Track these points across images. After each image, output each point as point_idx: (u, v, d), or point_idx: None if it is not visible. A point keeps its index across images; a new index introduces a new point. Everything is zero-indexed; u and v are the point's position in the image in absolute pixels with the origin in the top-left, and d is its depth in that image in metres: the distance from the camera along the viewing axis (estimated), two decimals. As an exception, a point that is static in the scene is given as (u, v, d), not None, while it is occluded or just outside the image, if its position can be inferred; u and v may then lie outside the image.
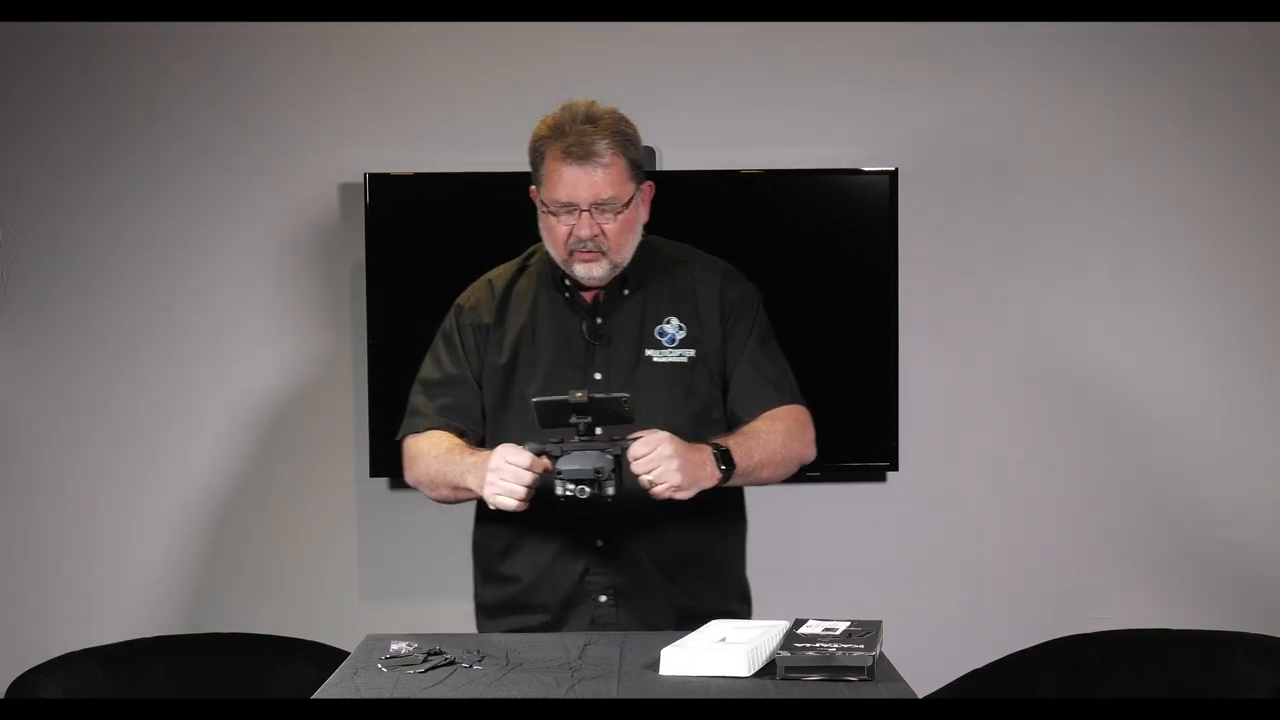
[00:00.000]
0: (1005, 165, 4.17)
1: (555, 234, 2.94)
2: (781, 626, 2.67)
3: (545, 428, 2.77)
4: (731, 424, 3.00)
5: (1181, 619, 3.96)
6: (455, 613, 4.02)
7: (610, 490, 2.73)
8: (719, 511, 3.03)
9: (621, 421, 2.75)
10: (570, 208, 2.91)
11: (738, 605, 3.08)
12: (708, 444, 2.87)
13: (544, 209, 2.95)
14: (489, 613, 3.07)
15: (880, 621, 2.67)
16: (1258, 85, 4.17)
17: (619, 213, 2.92)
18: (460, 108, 4.13)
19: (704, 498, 2.85)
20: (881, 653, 2.58)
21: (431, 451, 2.97)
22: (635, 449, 2.76)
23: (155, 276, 4.15)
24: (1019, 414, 4.20)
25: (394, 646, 2.69)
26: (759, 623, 2.71)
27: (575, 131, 2.91)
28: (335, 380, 4.16)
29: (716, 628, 2.69)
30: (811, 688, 2.43)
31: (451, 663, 2.61)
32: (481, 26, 4.08)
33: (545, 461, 2.76)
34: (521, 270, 3.09)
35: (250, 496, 4.18)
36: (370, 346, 4.05)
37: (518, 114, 4.09)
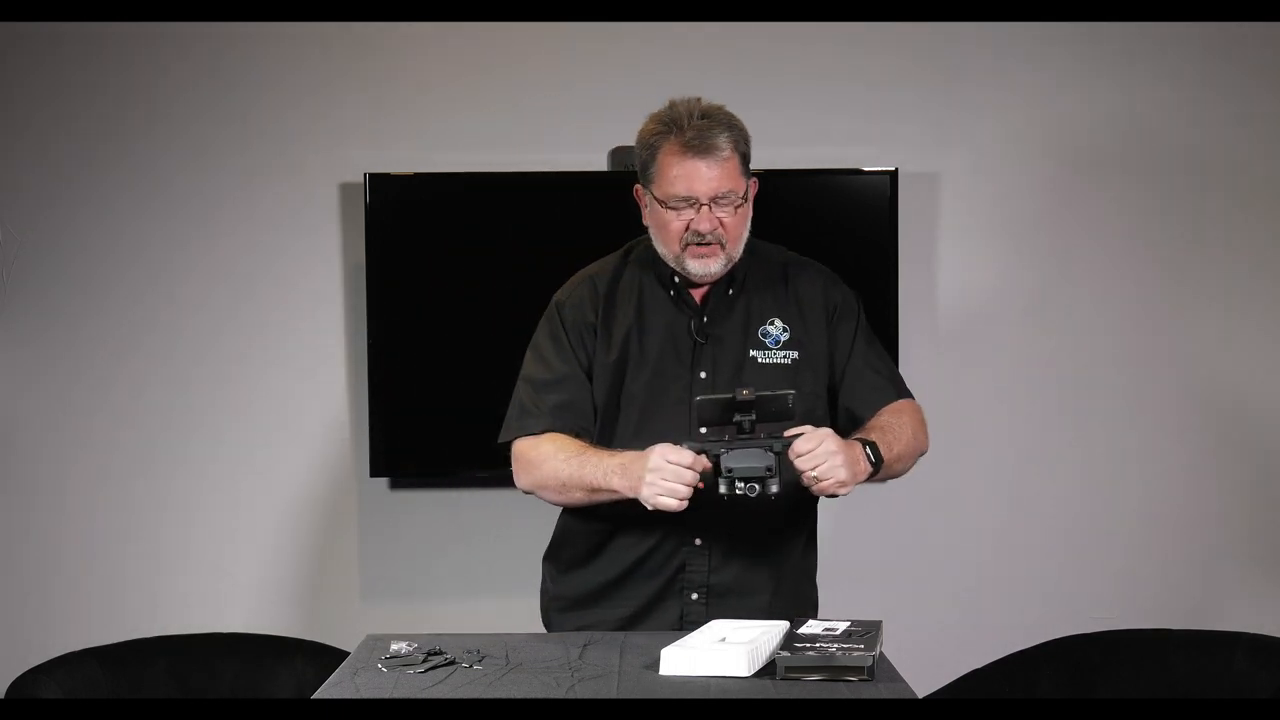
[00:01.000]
0: (1005, 165, 4.18)
1: (670, 229, 2.92)
2: (781, 626, 2.67)
3: (707, 426, 2.76)
4: (847, 422, 3.01)
5: (1181, 619, 3.97)
6: (455, 613, 4.05)
7: (774, 488, 2.71)
8: (807, 519, 3.06)
9: (785, 419, 2.75)
10: (690, 201, 2.89)
11: (810, 609, 3.09)
12: (855, 440, 2.88)
13: (659, 205, 2.93)
14: (567, 605, 3.05)
15: (880, 621, 2.67)
16: (1266, 84, 4.18)
17: (737, 206, 2.92)
18: (460, 108, 4.13)
19: (793, 506, 2.89)
20: (881, 653, 2.58)
21: (559, 455, 2.92)
22: (799, 445, 2.75)
23: (155, 276, 4.15)
24: (1019, 414, 4.20)
25: (394, 646, 2.69)
26: (759, 623, 2.71)
27: (694, 126, 2.89)
28: (335, 380, 4.16)
29: (716, 628, 2.69)
30: (811, 688, 2.43)
31: (451, 663, 2.61)
32: (481, 26, 4.08)
33: (705, 460, 2.74)
34: (623, 266, 3.07)
35: (251, 497, 4.18)
36: (370, 346, 4.05)
37: (518, 114, 4.13)
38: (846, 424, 3.00)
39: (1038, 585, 4.19)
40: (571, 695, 2.43)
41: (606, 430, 2.98)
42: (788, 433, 2.77)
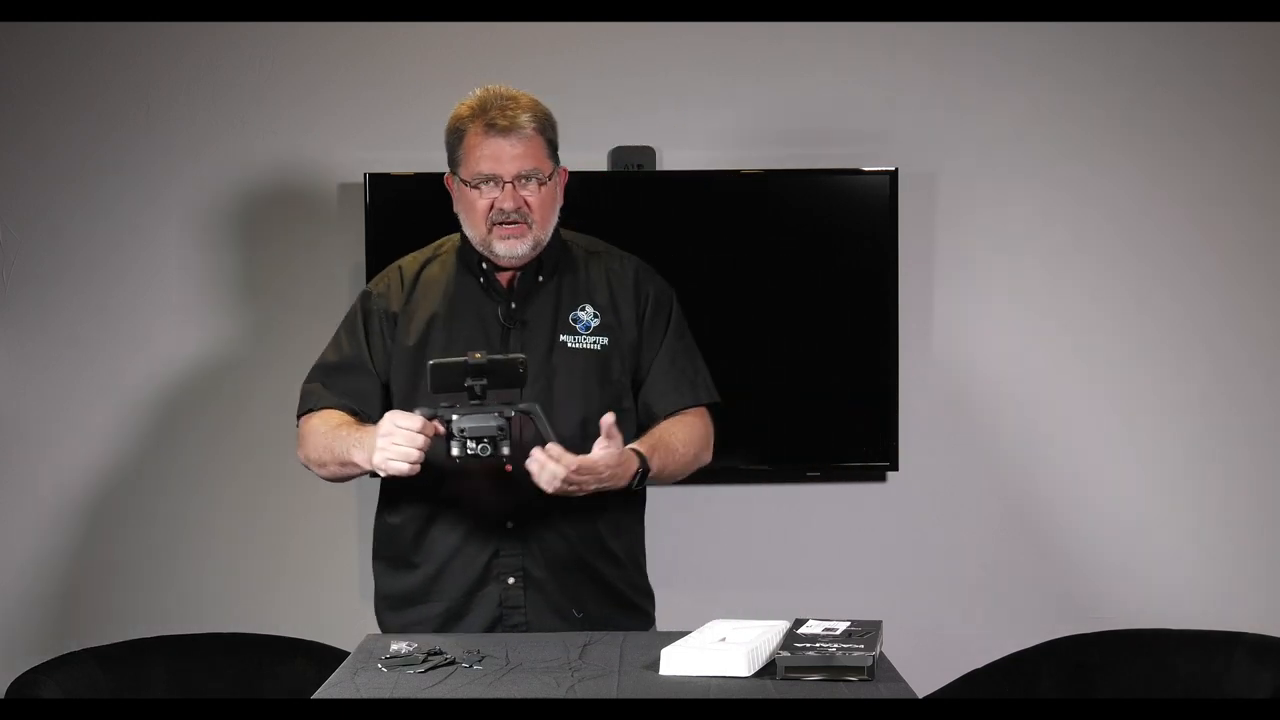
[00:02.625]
0: (1005, 165, 4.18)
1: (476, 209, 2.97)
2: (781, 626, 2.67)
3: (437, 391, 2.78)
4: (645, 416, 3.05)
5: (1181, 619, 3.97)
6: (455, 613, 4.03)
7: (506, 449, 2.75)
8: (625, 503, 3.06)
9: (516, 384, 2.78)
10: (493, 179, 2.94)
11: (642, 599, 3.12)
12: (637, 456, 2.90)
13: (465, 186, 2.97)
14: (395, 604, 3.07)
15: (880, 621, 2.67)
16: (1265, 86, 4.17)
17: (542, 184, 2.96)
18: (460, 108, 4.13)
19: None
20: (881, 653, 2.58)
21: (321, 428, 2.99)
22: (599, 457, 2.79)
23: (155, 276, 4.15)
24: (1018, 414, 4.20)
25: (394, 646, 2.69)
26: (759, 623, 2.71)
27: (497, 107, 2.95)
28: (335, 380, 4.16)
29: (717, 628, 2.69)
30: (811, 688, 2.44)
31: (451, 663, 2.61)
32: (481, 26, 4.08)
33: (436, 425, 2.77)
34: (432, 258, 3.13)
35: (250, 496, 4.18)
36: (370, 346, 4.05)
37: (518, 114, 4.12)
38: (644, 417, 3.05)
39: (1038, 585, 4.19)
40: (571, 695, 2.43)
41: None
42: (603, 420, 2.79)
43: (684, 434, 3.02)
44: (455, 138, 2.99)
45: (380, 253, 4.02)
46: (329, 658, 3.62)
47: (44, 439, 4.15)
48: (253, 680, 3.81)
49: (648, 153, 4.10)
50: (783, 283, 4.08)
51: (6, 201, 4.12)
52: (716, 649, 2.53)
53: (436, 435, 2.77)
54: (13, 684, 3.64)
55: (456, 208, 3.03)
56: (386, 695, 2.44)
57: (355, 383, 3.05)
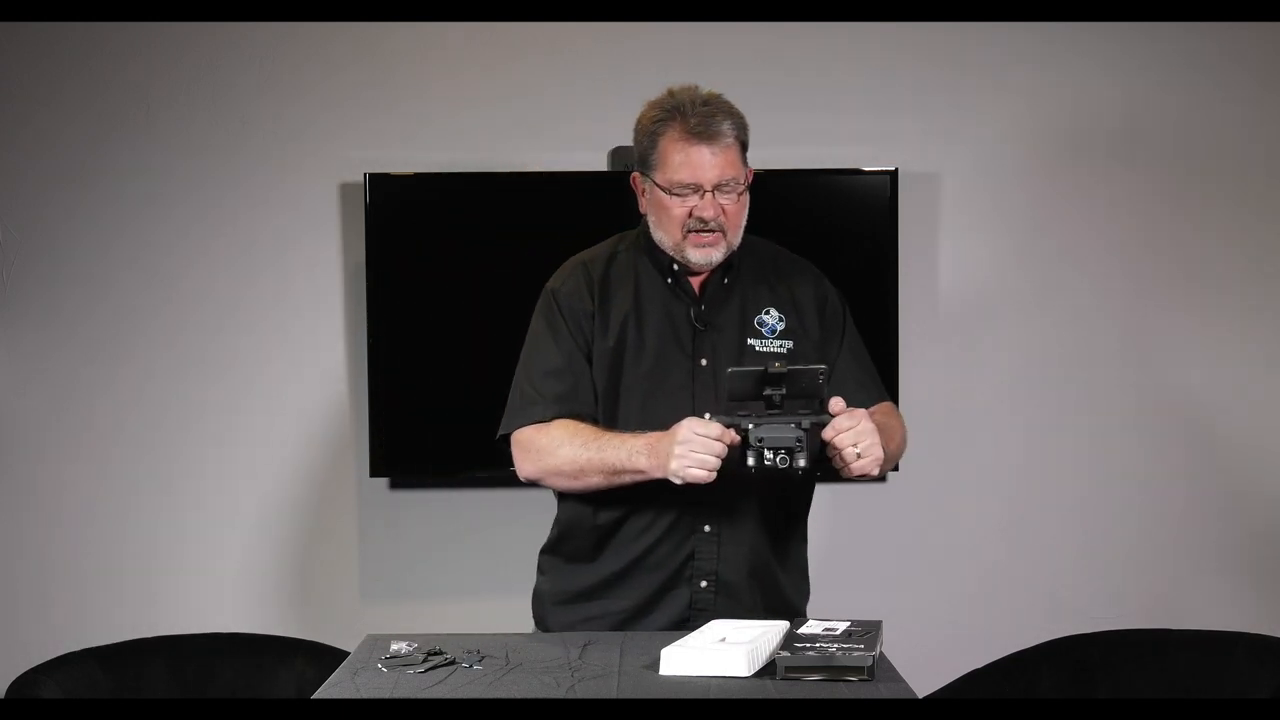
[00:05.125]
0: (1005, 165, 4.18)
1: (672, 215, 2.93)
2: (781, 626, 2.67)
3: (734, 399, 2.75)
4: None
5: (1181, 619, 3.96)
6: (455, 613, 4.05)
7: (802, 461, 2.71)
8: (807, 509, 3.09)
9: (814, 395, 2.76)
10: (694, 188, 2.91)
11: (803, 601, 3.11)
12: None
13: (662, 192, 2.93)
14: (568, 599, 3.03)
15: (880, 621, 2.67)
16: (1268, 84, 4.18)
17: (740, 194, 2.94)
18: (460, 108, 4.13)
19: (799, 494, 2.96)
20: (881, 653, 2.58)
21: (575, 439, 2.90)
22: (840, 422, 2.76)
23: (155, 276, 4.15)
24: (1019, 414, 4.20)
25: (394, 646, 2.69)
26: (759, 623, 2.71)
27: (697, 113, 2.91)
28: (335, 380, 4.16)
29: (717, 628, 2.69)
30: (811, 688, 2.43)
31: (451, 663, 2.61)
32: (481, 26, 4.08)
33: (733, 433, 2.74)
34: (615, 253, 3.07)
35: (250, 497, 4.18)
36: (370, 347, 4.05)
37: (518, 114, 4.14)
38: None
39: (1038, 585, 4.19)
40: (571, 695, 2.43)
41: (608, 416, 2.97)
42: (831, 403, 2.77)
43: (887, 420, 2.99)
44: (649, 139, 2.94)
45: (380, 253, 4.03)
46: (329, 658, 3.62)
47: (44, 439, 4.15)
48: (252, 680, 3.81)
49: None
50: (783, 283, 4.08)
51: (6, 201, 4.12)
52: (716, 649, 2.53)
53: (731, 444, 2.74)
54: (13, 684, 3.64)
55: (644, 208, 3.00)
56: (386, 695, 2.44)
57: (572, 384, 2.97)
